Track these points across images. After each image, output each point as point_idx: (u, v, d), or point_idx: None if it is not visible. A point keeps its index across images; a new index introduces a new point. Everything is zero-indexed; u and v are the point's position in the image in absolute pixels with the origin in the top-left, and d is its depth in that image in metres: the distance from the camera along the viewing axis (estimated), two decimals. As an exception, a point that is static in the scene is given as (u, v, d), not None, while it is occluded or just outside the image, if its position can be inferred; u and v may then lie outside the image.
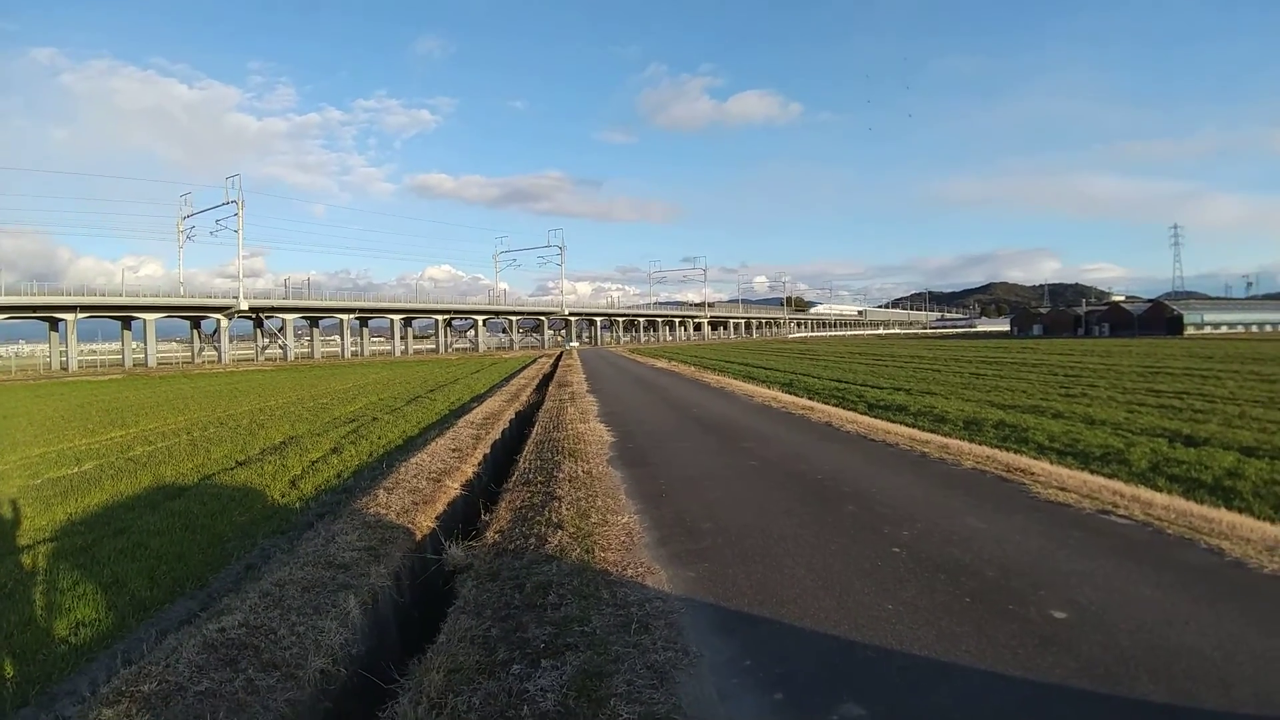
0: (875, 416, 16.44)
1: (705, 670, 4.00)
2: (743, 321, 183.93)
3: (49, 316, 68.92)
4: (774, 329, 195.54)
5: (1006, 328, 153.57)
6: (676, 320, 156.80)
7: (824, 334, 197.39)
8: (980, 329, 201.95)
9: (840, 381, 27.82)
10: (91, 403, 30.42)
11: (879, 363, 41.33)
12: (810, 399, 20.76)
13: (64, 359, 69.19)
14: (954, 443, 11.45)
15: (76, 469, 13.20)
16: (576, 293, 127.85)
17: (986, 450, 10.72)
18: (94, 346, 79.49)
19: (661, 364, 43.59)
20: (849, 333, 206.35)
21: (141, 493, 11.01)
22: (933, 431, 13.77)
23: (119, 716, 3.69)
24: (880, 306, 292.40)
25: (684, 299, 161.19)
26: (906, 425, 14.73)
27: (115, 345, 79.11)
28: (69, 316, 67.71)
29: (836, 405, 19.01)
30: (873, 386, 24.98)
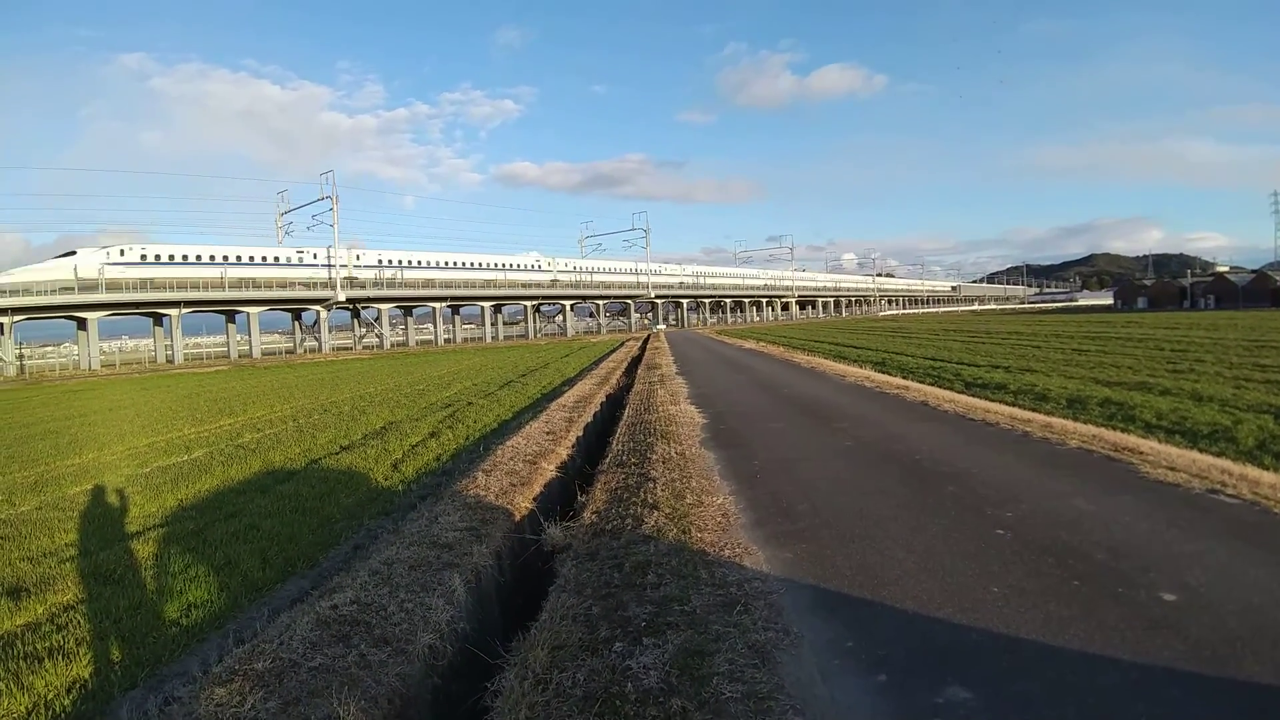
0: (973, 395, 16.01)
1: (807, 651, 3.99)
2: (831, 300, 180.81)
3: (153, 312, 71.45)
4: (864, 306, 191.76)
5: (1109, 301, 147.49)
6: (764, 300, 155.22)
7: (916, 310, 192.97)
8: (1081, 303, 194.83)
9: (935, 360, 27.15)
10: (199, 393, 31.71)
11: (974, 340, 40.17)
12: (904, 378, 20.33)
13: (169, 352, 71.88)
14: (1057, 421, 11.07)
15: (186, 456, 13.71)
16: (662, 273, 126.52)
17: (1092, 429, 10.33)
18: (199, 339, 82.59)
19: (749, 345, 43.24)
20: (942, 309, 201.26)
21: (251, 477, 11.42)
22: (1034, 410, 13.34)
23: (232, 695, 3.80)
24: (974, 281, 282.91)
25: (770, 279, 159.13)
26: (1006, 404, 14.30)
27: (220, 338, 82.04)
28: (173, 311, 70.38)
29: (932, 384, 18.57)
30: (969, 364, 24.33)
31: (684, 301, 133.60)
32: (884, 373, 22.17)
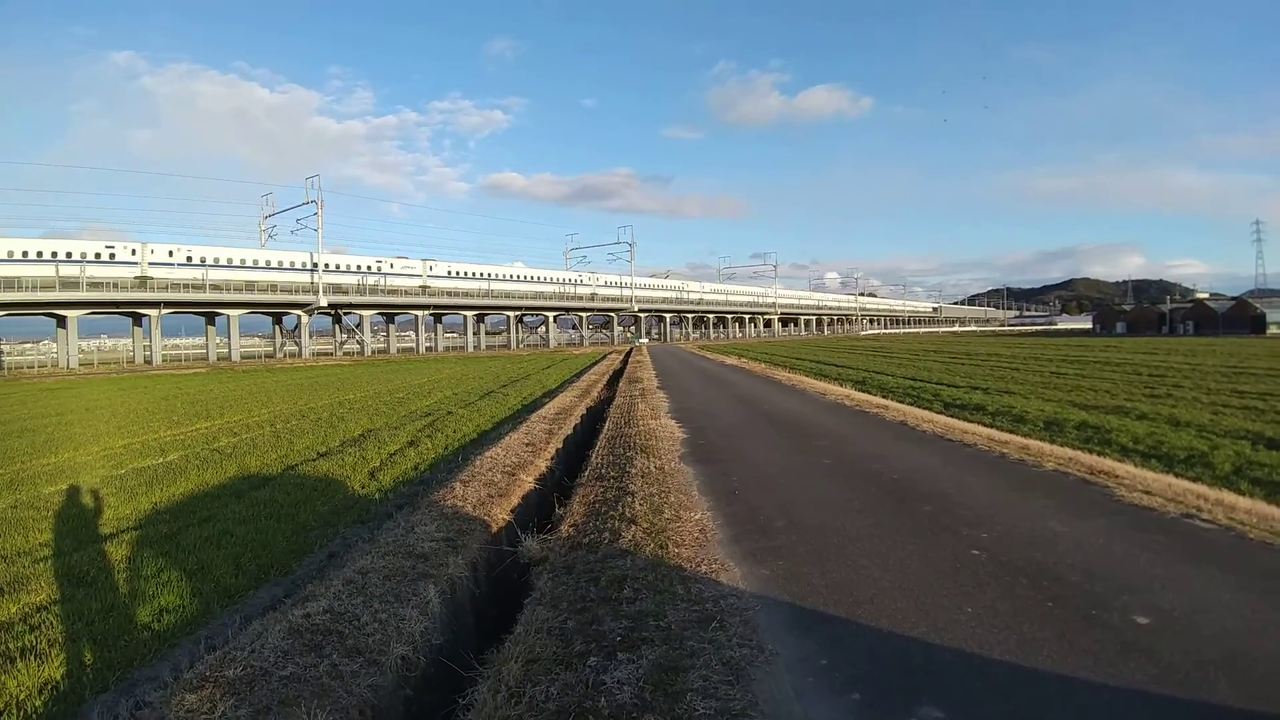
0: (952, 416, 16.10)
1: (781, 668, 3.99)
2: (814, 318, 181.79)
3: (132, 312, 70.83)
4: (846, 325, 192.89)
5: (1088, 325, 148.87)
6: (746, 316, 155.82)
7: (898, 330, 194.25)
8: (1061, 326, 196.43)
9: (915, 380, 27.33)
10: (176, 395, 31.45)
11: (954, 361, 40.43)
12: (884, 397, 20.46)
13: (148, 353, 71.17)
14: (1034, 444, 11.16)
15: (161, 459, 13.61)
16: (646, 288, 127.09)
17: (1069, 452, 10.42)
18: (177, 341, 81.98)
19: (731, 360, 43.35)
20: (923, 330, 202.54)
21: (227, 482, 11.33)
22: (1011, 432, 13.43)
23: (202, 702, 3.77)
24: (955, 303, 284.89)
25: (753, 296, 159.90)
26: (984, 425, 14.40)
27: (199, 340, 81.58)
28: (153, 312, 69.76)
29: (911, 404, 18.68)
30: (948, 385, 24.48)
31: (667, 316, 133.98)
32: (864, 391, 22.29)
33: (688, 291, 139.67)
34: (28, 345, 77.30)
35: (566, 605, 4.95)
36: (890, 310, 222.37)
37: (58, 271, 63.84)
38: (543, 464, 11.05)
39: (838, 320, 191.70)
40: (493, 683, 3.98)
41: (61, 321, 65.48)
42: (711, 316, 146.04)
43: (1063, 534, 6.23)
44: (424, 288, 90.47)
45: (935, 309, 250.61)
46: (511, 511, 8.38)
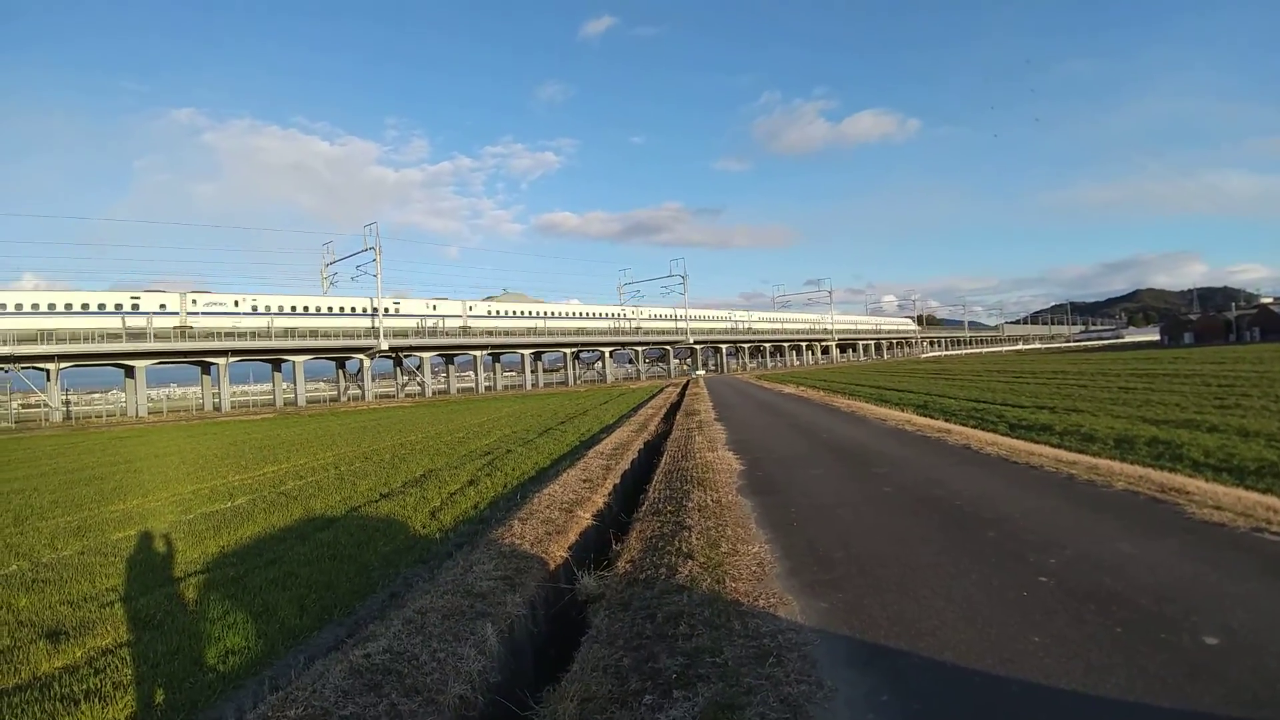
0: (1017, 437, 15.69)
1: (841, 705, 3.91)
2: (872, 343, 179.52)
3: (200, 361, 73.21)
4: (906, 349, 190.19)
5: (1156, 337, 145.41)
6: (804, 344, 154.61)
7: (959, 352, 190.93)
8: (1128, 339, 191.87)
9: (978, 401, 26.70)
10: (244, 440, 32.21)
11: (1018, 380, 39.42)
12: (947, 421, 20.03)
13: (216, 400, 73.39)
14: (1103, 463, 10.84)
15: (229, 503, 13.92)
16: (701, 319, 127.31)
17: (1139, 470, 10.11)
18: (245, 387, 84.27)
19: (789, 389, 43.02)
20: (985, 350, 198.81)
21: (292, 525, 11.54)
22: (1080, 451, 13.03)
23: (263, 743, 3.83)
24: (1014, 321, 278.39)
25: (809, 323, 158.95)
26: (1051, 446, 14.01)
27: (265, 386, 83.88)
28: (221, 360, 71.91)
29: (975, 426, 18.27)
30: (1013, 405, 23.86)
31: (723, 346, 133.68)
32: (926, 416, 21.86)
33: (742, 321, 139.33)
34: (96, 395, 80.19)
35: (623, 642, 4.93)
36: (951, 332, 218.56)
37: (124, 324, 66.30)
38: (600, 500, 11.05)
39: (897, 344, 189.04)
40: (548, 723, 3.98)
41: (130, 371, 67.82)
42: (768, 345, 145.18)
43: (1132, 556, 6.03)
44: (467, 328, 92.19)
45: (997, 328, 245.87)
46: (569, 549, 8.38)
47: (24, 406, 69.75)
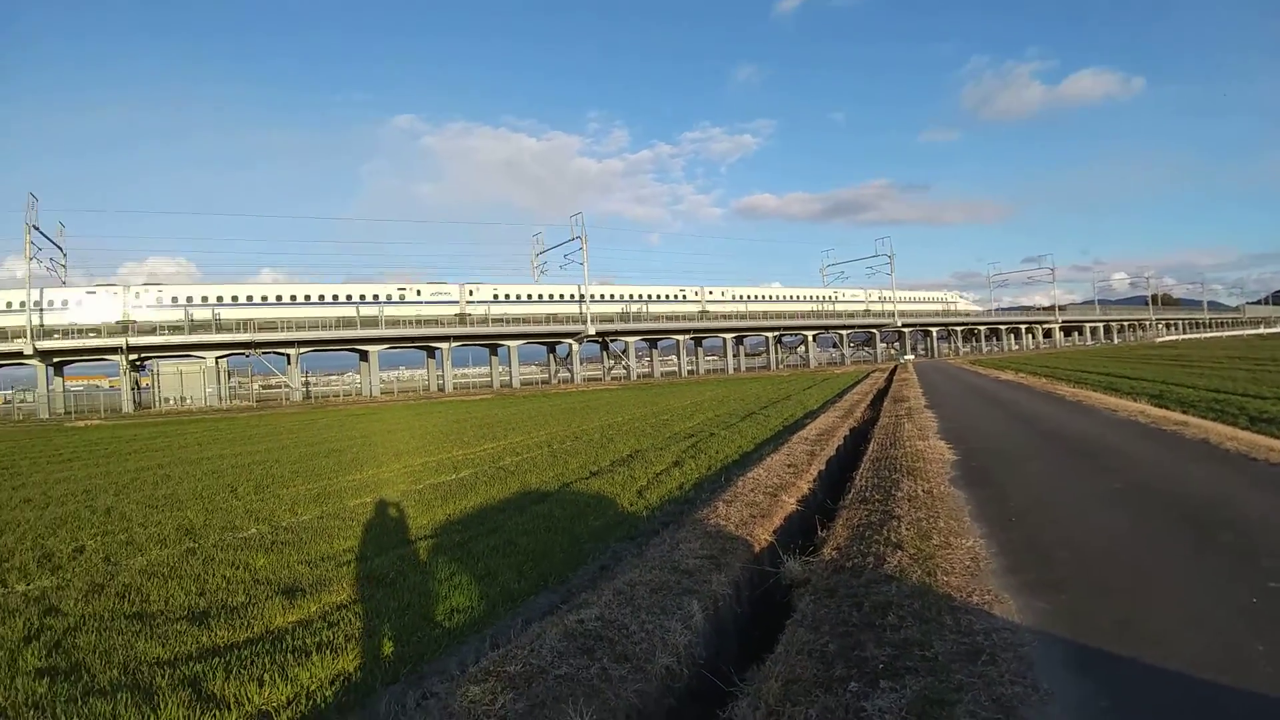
0: (1258, 432, 14.13)
1: (1056, 709, 3.73)
2: (1100, 325, 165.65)
3: (426, 346, 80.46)
4: (1138, 332, 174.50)
5: None
6: (1022, 327, 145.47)
7: (1198, 335, 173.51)
8: None
9: (1217, 391, 24.11)
10: (465, 419, 34.12)
11: (1262, 368, 35.35)
12: (1183, 412, 18.28)
13: (440, 381, 79.92)
14: (1366, 463, 9.62)
15: (454, 476, 14.82)
16: (908, 302, 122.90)
17: None
18: (465, 370, 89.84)
19: (1006, 375, 40.82)
20: (1225, 333, 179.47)
21: (511, 497, 12.14)
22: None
23: (484, 693, 4.10)
24: (1256, 302, 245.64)
25: (1029, 303, 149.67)
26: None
27: (483, 369, 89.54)
28: (444, 345, 78.22)
29: (1214, 419, 16.57)
30: (1255, 396, 21.33)
31: (934, 330, 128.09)
32: (1161, 406, 20.04)
33: (954, 303, 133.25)
34: (333, 376, 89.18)
35: (828, 629, 4.92)
36: (1188, 314, 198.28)
37: (359, 313, 74.23)
38: (804, 485, 10.99)
39: (1128, 327, 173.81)
40: (752, 699, 4.05)
41: (364, 355, 75.83)
42: (983, 329, 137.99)
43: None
44: (701, 312, 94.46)
45: (1238, 308, 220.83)
46: (773, 532, 8.41)
47: (264, 388, 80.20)
